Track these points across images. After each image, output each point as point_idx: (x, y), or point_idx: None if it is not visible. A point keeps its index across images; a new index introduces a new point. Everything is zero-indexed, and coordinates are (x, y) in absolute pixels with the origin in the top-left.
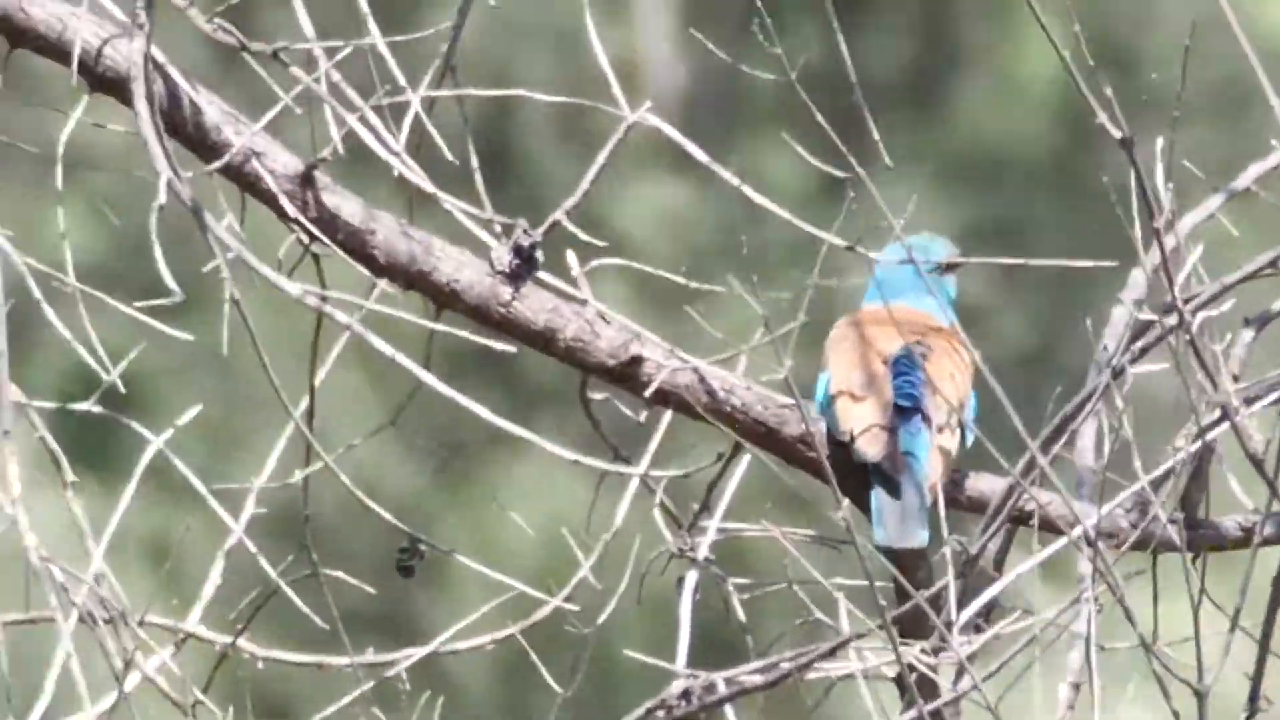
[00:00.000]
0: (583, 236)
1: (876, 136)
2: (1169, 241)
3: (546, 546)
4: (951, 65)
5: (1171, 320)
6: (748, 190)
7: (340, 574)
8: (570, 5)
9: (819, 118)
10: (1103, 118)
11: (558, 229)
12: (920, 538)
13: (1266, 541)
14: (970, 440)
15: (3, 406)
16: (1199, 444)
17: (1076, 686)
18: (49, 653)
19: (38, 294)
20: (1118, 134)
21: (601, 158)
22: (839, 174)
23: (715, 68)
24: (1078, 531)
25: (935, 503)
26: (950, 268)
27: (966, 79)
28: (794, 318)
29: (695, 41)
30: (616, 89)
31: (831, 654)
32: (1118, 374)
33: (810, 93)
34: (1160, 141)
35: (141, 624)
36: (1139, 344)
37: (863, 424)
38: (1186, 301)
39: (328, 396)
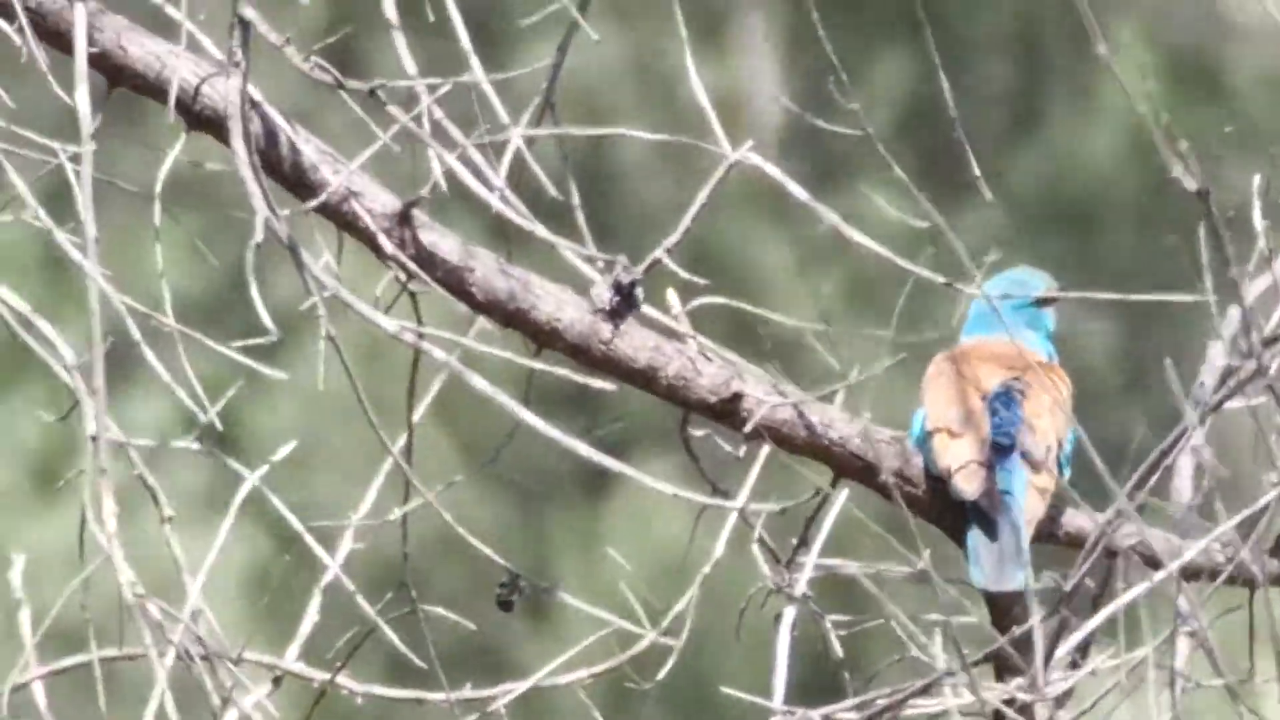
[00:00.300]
0: (683, 274)
1: (977, 171)
2: (1264, 279)
3: (642, 583)
4: (1044, 97)
5: (1254, 363)
6: (846, 229)
7: (440, 610)
8: (668, 44)
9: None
10: (1178, 171)
11: (658, 267)
12: (1017, 580)
13: None
14: (1067, 476)
15: (100, 444)
16: None
17: None
18: (145, 691)
19: (136, 334)
20: (1193, 187)
21: (702, 196)
22: (919, 224)
23: (815, 106)
24: (1170, 569)
25: (1036, 539)
26: (1048, 301)
27: (1058, 111)
28: (893, 354)
29: (794, 80)
30: (717, 127)
31: (924, 692)
32: (1213, 410)
33: (908, 127)
34: (1257, 180)
35: (238, 661)
36: (1230, 383)
37: (959, 461)
38: (1268, 344)
39: (417, 435)
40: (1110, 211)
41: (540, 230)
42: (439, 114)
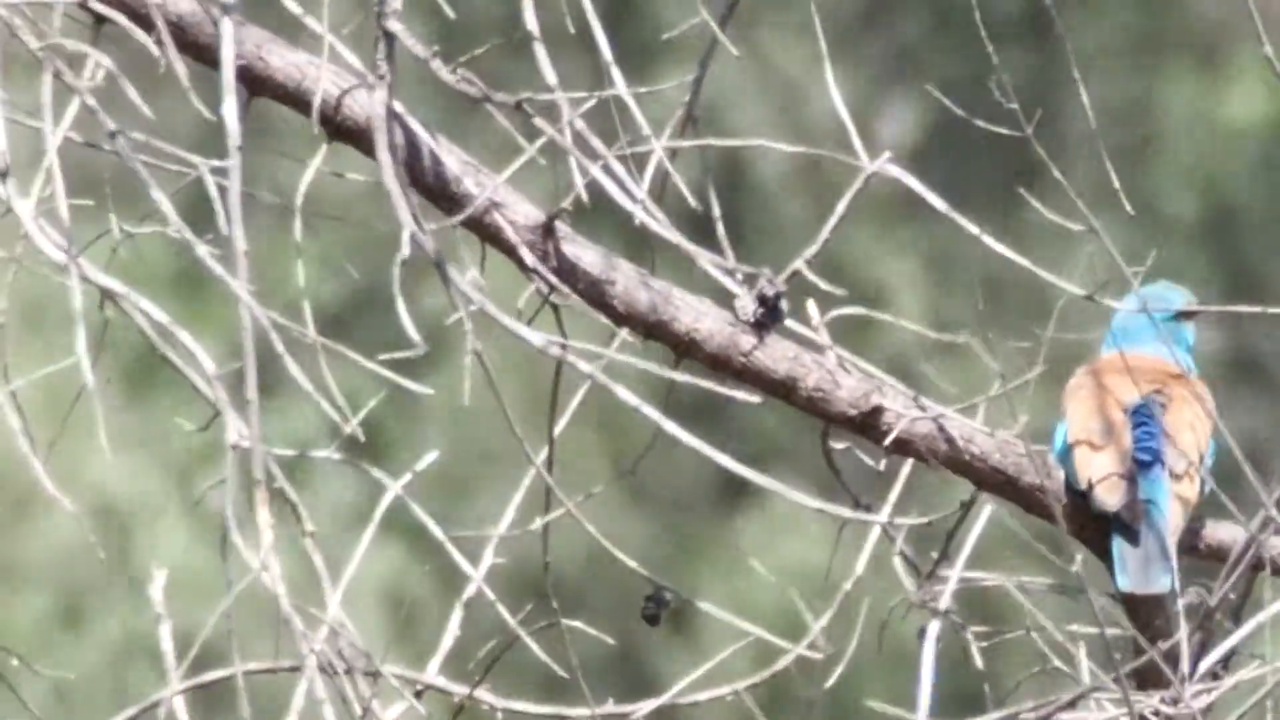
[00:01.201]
0: (823, 285)
1: (1117, 185)
2: None
3: (782, 599)
4: (1163, 112)
5: None
6: (987, 239)
7: (580, 624)
8: (802, 56)
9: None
10: None
11: (797, 279)
12: (1164, 583)
13: None
14: (1209, 489)
15: (256, 452)
16: None
17: None
18: (284, 703)
19: (280, 347)
20: None
21: (841, 207)
22: (1076, 227)
23: (947, 119)
24: None
25: (1176, 551)
26: (1188, 315)
27: (1178, 126)
28: (1034, 368)
29: (924, 91)
30: (855, 138)
31: (1071, 705)
32: None
33: (1029, 144)
34: None
35: (378, 675)
36: None
37: (1102, 473)
38: None
39: (560, 452)
40: (1246, 224)
41: (683, 242)
42: (581, 125)
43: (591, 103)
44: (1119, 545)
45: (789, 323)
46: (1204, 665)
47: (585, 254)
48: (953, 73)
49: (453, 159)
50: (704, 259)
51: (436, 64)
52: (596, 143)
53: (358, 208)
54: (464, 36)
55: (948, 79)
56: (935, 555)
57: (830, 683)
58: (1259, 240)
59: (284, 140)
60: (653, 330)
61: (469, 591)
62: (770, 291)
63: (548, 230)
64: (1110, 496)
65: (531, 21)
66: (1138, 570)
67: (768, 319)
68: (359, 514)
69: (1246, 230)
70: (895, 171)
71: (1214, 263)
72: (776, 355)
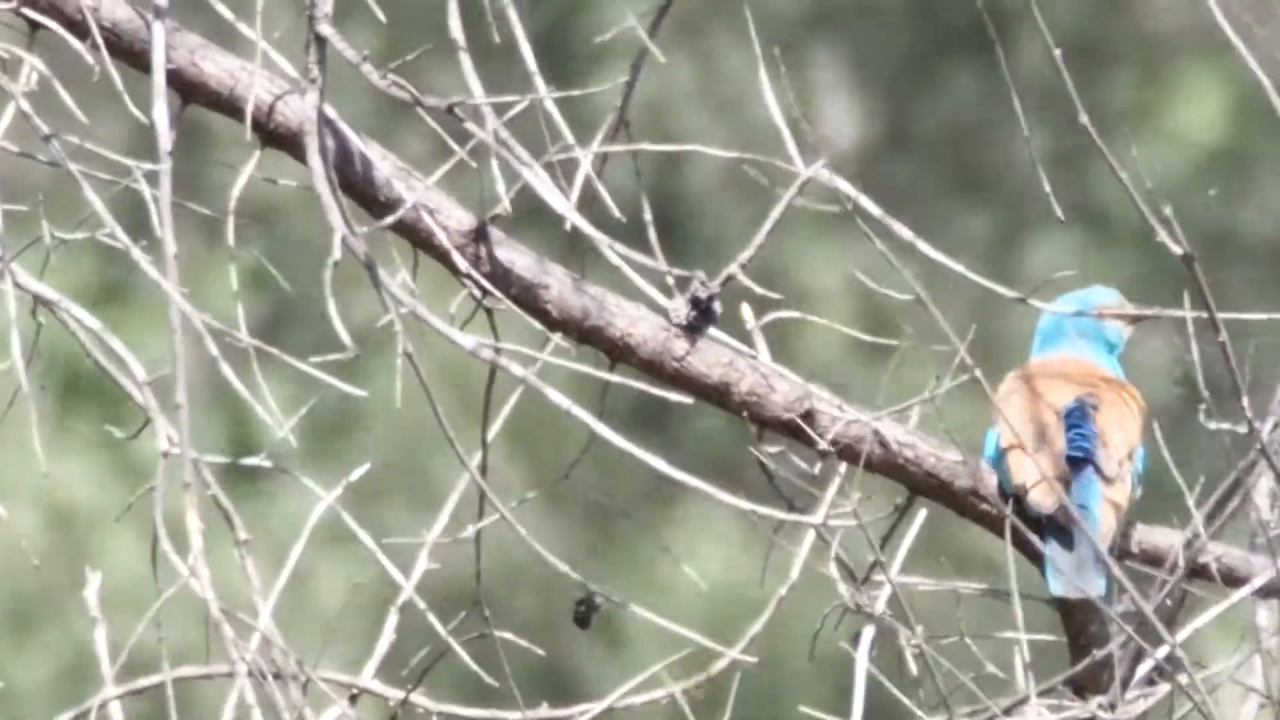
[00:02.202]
0: (758, 290)
1: (1048, 189)
2: None
3: (715, 605)
4: (1109, 119)
5: None
6: (921, 244)
7: (510, 635)
8: (741, 63)
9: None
10: (1163, 235)
11: (732, 284)
12: (1098, 586)
13: None
14: (1139, 493)
15: (186, 458)
16: None
17: None
18: (215, 711)
19: (214, 350)
20: (1178, 251)
21: (776, 212)
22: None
23: (888, 123)
24: (1249, 588)
25: (1111, 554)
26: (1113, 317)
27: (1123, 133)
28: (967, 371)
29: (868, 98)
30: (791, 144)
31: (1007, 712)
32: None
33: (974, 149)
34: None
35: (308, 682)
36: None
37: (1035, 476)
38: None
39: (491, 464)
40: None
41: (611, 244)
42: (505, 134)
43: (520, 108)
44: (1052, 549)
45: (714, 330)
46: (1140, 672)
47: (519, 259)
48: (900, 78)
49: (386, 164)
50: (634, 262)
51: (367, 68)
52: (520, 150)
53: (294, 217)
54: (408, 44)
55: (895, 84)
56: (870, 560)
57: (726, 694)
58: (1207, 249)
59: (226, 150)
60: (587, 335)
61: (401, 598)
62: (703, 294)
63: (480, 235)
64: (1044, 500)
65: (456, 30)
66: (1071, 574)
67: (700, 322)
68: (328, 524)
69: (1194, 239)
70: (829, 176)
71: (1160, 269)
72: (710, 360)
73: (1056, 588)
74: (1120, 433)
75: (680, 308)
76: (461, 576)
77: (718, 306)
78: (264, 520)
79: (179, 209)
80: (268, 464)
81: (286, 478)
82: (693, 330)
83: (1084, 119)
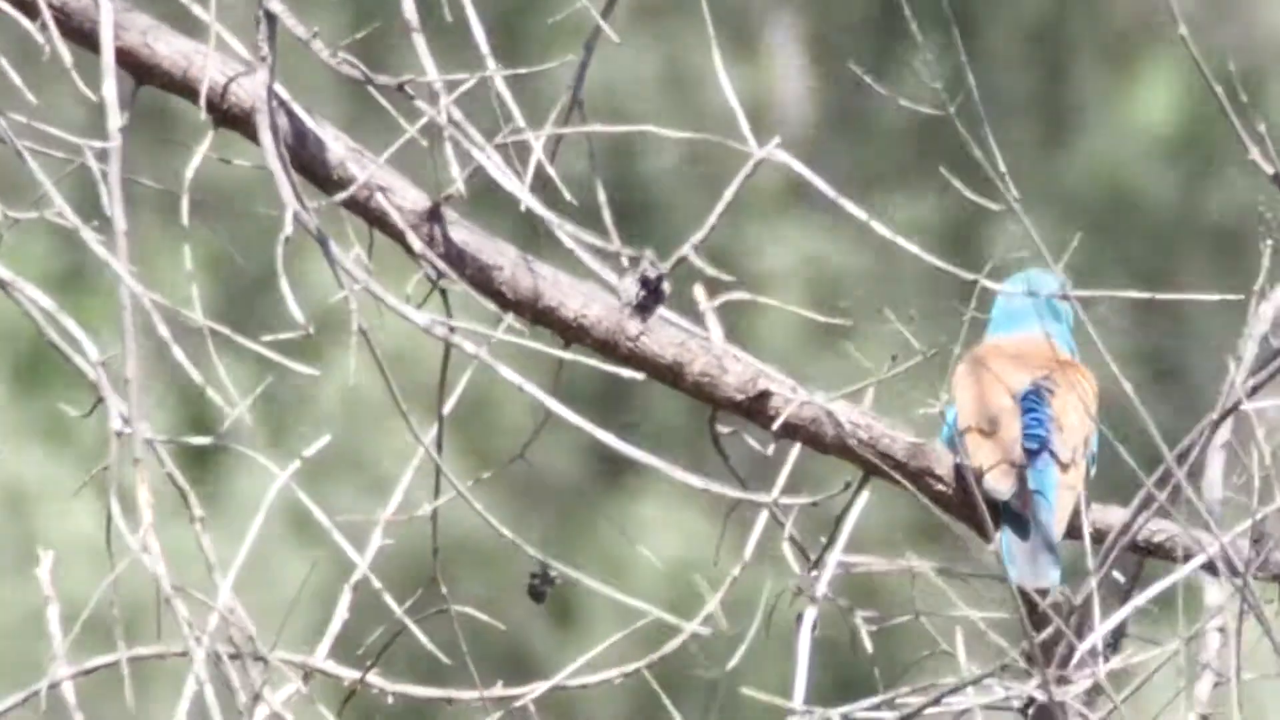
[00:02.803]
0: (710, 271)
1: (1003, 168)
2: None
3: (671, 584)
4: (1072, 105)
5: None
6: (876, 225)
7: (469, 610)
8: (698, 53)
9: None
10: (1254, 153)
11: (685, 265)
12: (1052, 577)
13: None
14: (1093, 472)
15: (137, 434)
16: None
17: (1205, 718)
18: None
19: (164, 331)
20: (1270, 170)
21: (729, 193)
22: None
23: (846, 105)
24: (1196, 561)
25: (1068, 539)
26: (1065, 298)
27: (1087, 118)
28: (924, 351)
29: (825, 79)
30: (744, 125)
31: (954, 691)
32: (1232, 410)
33: (933, 132)
34: None
35: (263, 659)
36: (1252, 382)
37: (991, 460)
38: None
39: (446, 445)
40: (1140, 218)
41: (561, 225)
42: (458, 114)
43: (471, 84)
44: (1008, 538)
45: (664, 309)
46: (1084, 648)
47: (473, 239)
48: (859, 60)
49: (339, 144)
50: (584, 241)
51: (318, 44)
52: (472, 130)
53: (259, 200)
54: (350, 27)
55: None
56: (825, 540)
57: (721, 666)
58: (1166, 232)
59: (193, 133)
60: (540, 316)
61: (356, 576)
62: (652, 274)
63: (435, 215)
64: (1001, 484)
65: (410, 10)
66: (1026, 564)
67: (650, 301)
68: (290, 504)
69: (1154, 222)
70: (783, 156)
71: (1120, 253)
72: (664, 340)
73: (1013, 576)
74: (1076, 416)
75: (630, 287)
76: (421, 555)
77: (667, 286)
78: (229, 500)
79: (137, 191)
80: (221, 443)
81: (249, 458)
82: (642, 310)
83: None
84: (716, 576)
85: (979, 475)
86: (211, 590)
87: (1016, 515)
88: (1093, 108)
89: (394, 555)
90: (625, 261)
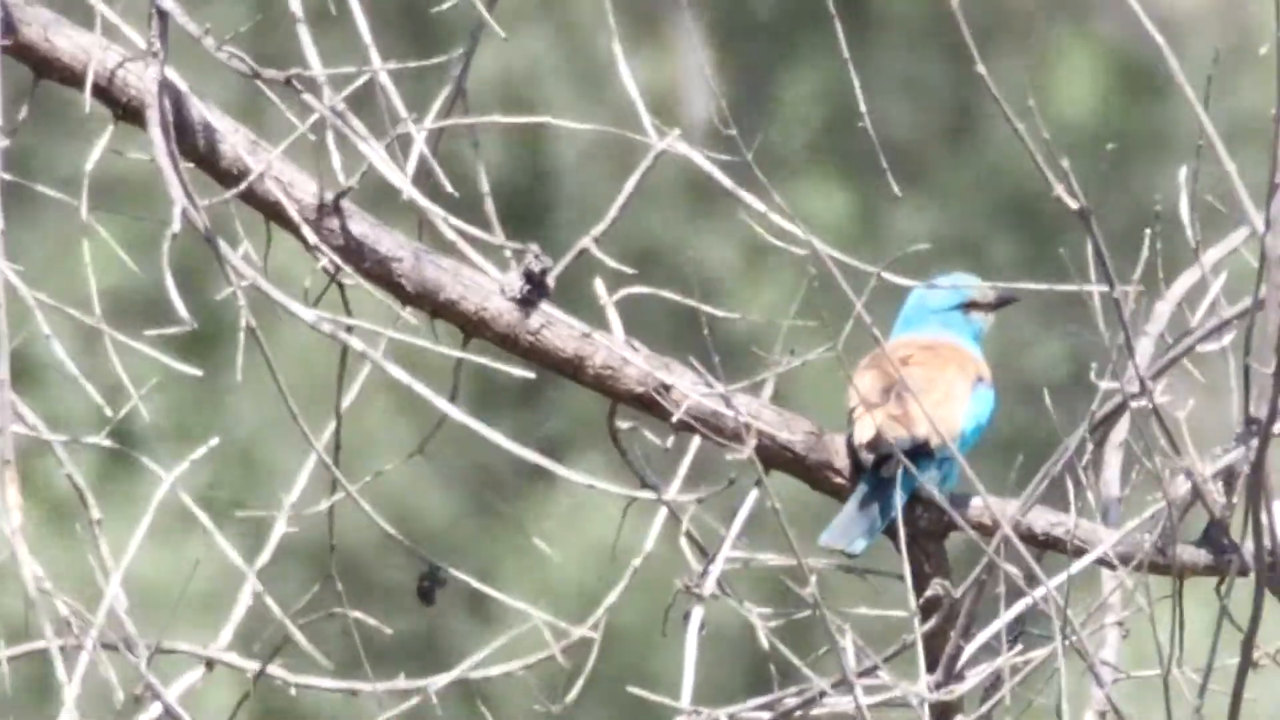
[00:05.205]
0: (611, 264)
1: (885, 165)
2: (1194, 273)
3: (581, 575)
4: (983, 104)
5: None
6: (776, 218)
7: (359, 614)
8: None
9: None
10: (1059, 190)
11: (586, 257)
12: (857, 546)
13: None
14: (963, 462)
15: (6, 435)
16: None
17: (1102, 715)
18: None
19: (46, 329)
20: (1074, 205)
21: (630, 185)
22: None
23: (749, 99)
24: (1090, 557)
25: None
26: (976, 306)
27: (997, 117)
28: (821, 346)
29: (728, 73)
30: (645, 117)
31: (835, 687)
32: (1123, 406)
33: (839, 128)
34: (1184, 171)
35: (154, 654)
36: (1103, 410)
37: (867, 435)
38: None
39: (358, 425)
40: (1047, 215)
41: (445, 218)
42: (342, 106)
43: (364, 79)
44: (851, 503)
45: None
46: (971, 647)
47: (373, 232)
48: (763, 49)
49: (238, 137)
50: (467, 233)
51: (209, 41)
52: (357, 123)
53: (149, 197)
54: (283, 21)
55: (754, 58)
56: (723, 534)
57: (633, 657)
58: (1064, 230)
59: (79, 128)
60: (441, 310)
61: (250, 578)
62: (536, 268)
63: (334, 209)
64: (869, 455)
65: (295, 4)
66: (840, 528)
67: (534, 295)
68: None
69: (1066, 216)
70: (683, 149)
71: (1025, 247)
72: (564, 334)
73: (823, 537)
74: (948, 405)
75: (514, 281)
76: (340, 542)
77: (551, 280)
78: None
79: (31, 189)
80: (108, 444)
81: (161, 457)
82: (526, 303)
83: (981, 69)
84: (643, 562)
85: (860, 447)
86: (131, 590)
87: (869, 493)
88: (1005, 96)
89: (307, 543)
90: (509, 255)
